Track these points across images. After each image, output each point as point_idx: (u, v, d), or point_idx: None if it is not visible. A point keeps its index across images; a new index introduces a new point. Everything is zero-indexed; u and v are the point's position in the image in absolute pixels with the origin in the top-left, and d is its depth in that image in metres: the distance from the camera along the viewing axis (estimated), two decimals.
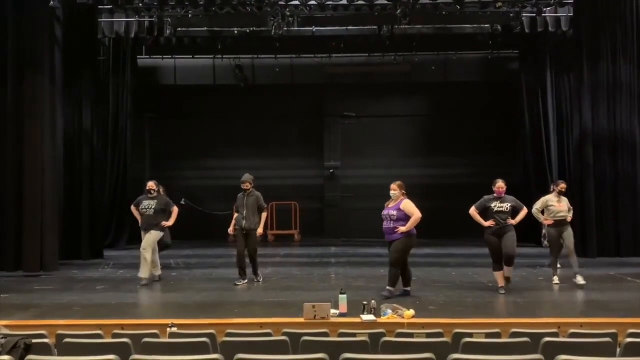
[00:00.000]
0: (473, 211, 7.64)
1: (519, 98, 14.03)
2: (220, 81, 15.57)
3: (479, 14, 11.90)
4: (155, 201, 8.65)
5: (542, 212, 8.37)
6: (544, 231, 10.69)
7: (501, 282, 7.63)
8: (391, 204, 7.46)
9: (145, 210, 8.62)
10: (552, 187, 8.81)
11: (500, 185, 7.58)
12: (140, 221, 8.80)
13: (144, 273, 8.43)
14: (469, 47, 14.39)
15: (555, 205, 8.23)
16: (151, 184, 8.83)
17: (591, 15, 11.49)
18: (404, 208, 7.33)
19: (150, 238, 8.49)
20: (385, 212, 7.43)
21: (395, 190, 7.47)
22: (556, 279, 8.28)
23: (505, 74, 15.10)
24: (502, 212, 7.50)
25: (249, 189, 8.39)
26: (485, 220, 7.56)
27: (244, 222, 8.34)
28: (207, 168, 15.59)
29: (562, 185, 8.46)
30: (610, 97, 11.50)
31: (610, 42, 11.48)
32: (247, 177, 8.49)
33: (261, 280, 8.61)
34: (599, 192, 11.33)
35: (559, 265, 8.55)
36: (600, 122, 11.50)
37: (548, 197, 8.43)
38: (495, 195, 7.58)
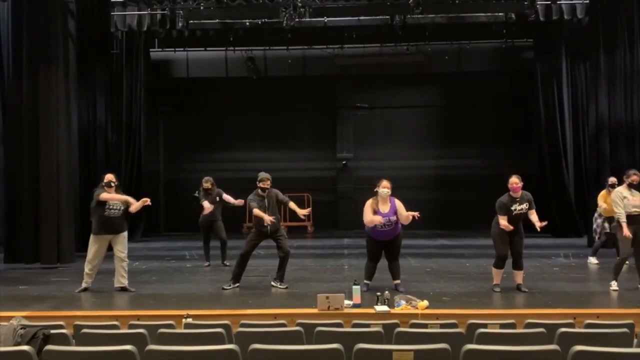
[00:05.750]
0: (503, 222, 6.77)
1: (534, 87, 13.88)
2: (232, 73, 15.60)
3: (492, 2, 11.76)
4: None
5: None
6: (594, 225, 9.42)
7: (497, 280, 7.15)
8: (386, 208, 6.89)
9: (114, 209, 7.25)
10: (624, 177, 7.41)
11: (513, 180, 6.84)
12: (99, 222, 7.24)
13: (125, 280, 7.43)
14: (483, 36, 14.25)
15: (629, 198, 7.05)
16: (109, 176, 7.31)
17: (607, 2, 11.29)
18: (399, 209, 6.92)
19: (126, 243, 7.46)
20: (384, 219, 6.85)
21: (389, 188, 6.94)
22: (614, 285, 7.08)
23: (519, 63, 14.94)
24: (521, 214, 6.86)
25: (269, 188, 7.39)
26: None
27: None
28: (220, 160, 15.65)
29: (634, 177, 7.16)
30: (627, 86, 11.32)
31: (627, 29, 11.28)
32: (266, 174, 7.42)
33: (284, 286, 7.54)
34: None
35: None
36: (616, 112, 11.33)
37: (619, 189, 7.22)
38: (510, 193, 6.86)
